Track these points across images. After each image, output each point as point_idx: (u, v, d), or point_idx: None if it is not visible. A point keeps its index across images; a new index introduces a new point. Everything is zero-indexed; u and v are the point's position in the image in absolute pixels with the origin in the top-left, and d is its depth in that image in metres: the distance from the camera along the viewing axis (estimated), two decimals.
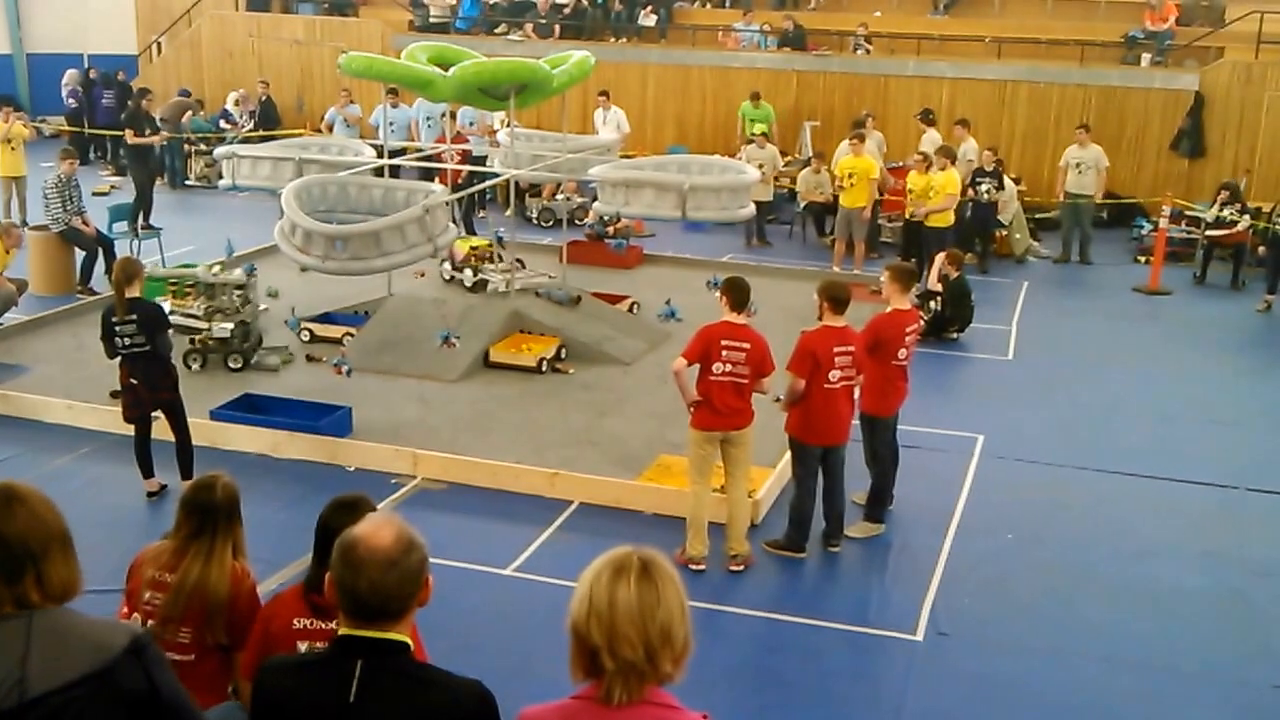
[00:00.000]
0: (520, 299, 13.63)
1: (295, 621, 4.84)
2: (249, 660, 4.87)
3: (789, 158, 21.36)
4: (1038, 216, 19.70)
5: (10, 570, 3.24)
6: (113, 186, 22.27)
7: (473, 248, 14.25)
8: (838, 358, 8.75)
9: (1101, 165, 18.70)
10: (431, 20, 26.06)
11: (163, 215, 18.65)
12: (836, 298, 8.88)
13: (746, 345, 8.57)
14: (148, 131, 19.25)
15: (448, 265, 14.17)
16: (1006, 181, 18.75)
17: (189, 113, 24.08)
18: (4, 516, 3.28)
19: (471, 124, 20.31)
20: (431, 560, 3.43)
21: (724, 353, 8.54)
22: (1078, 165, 18.72)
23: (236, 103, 25.05)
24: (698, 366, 8.64)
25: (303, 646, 4.74)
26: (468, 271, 14.03)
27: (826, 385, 8.74)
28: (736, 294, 8.77)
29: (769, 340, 8.83)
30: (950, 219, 16.63)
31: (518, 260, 14.25)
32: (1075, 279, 18.23)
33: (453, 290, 14.05)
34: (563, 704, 3.15)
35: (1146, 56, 22.22)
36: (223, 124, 24.27)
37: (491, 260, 14.24)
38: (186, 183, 23.58)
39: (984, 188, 17.82)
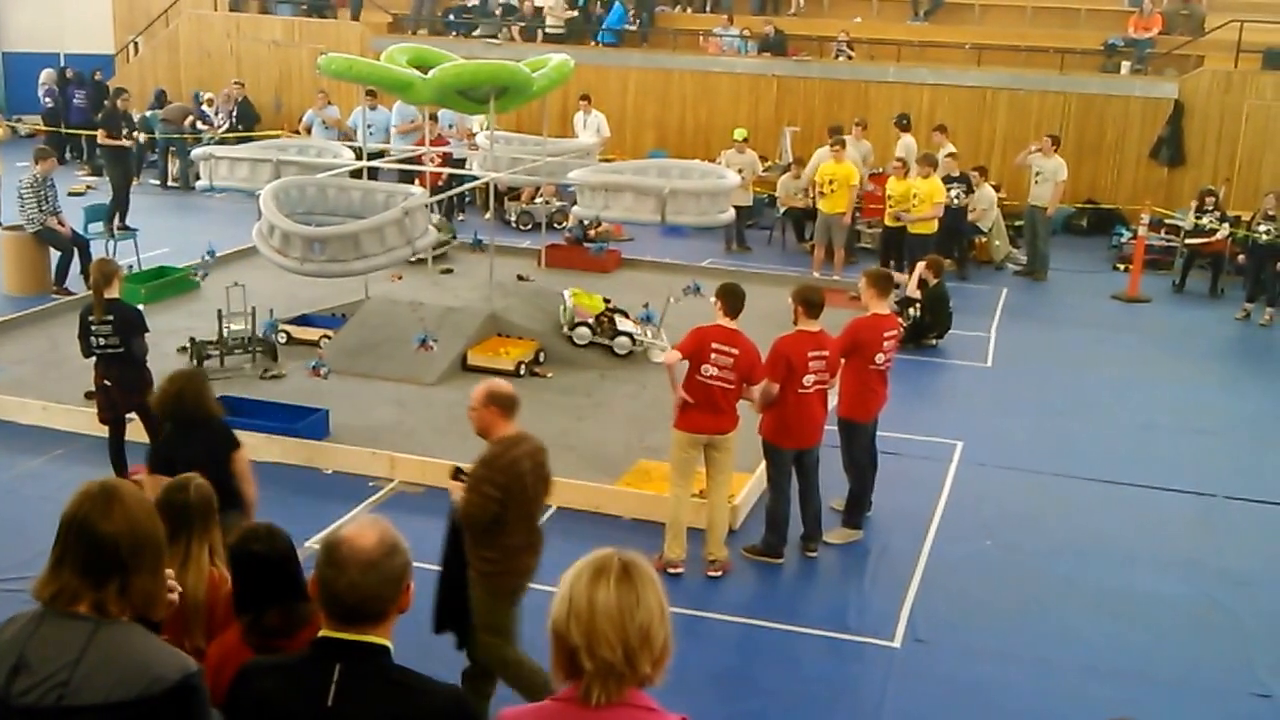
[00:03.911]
0: (501, 300, 13.59)
1: None
2: None
3: (769, 163, 21.35)
4: (1018, 224, 19.70)
5: (97, 572, 3.22)
6: (88, 187, 22.11)
7: (609, 308, 13.47)
8: (811, 362, 8.73)
9: (1059, 177, 18.50)
10: (548, 31, 25.28)
11: (139, 216, 18.53)
12: (810, 301, 8.85)
13: (736, 351, 8.54)
14: (125, 131, 19.12)
15: (585, 330, 13.26)
16: (987, 189, 18.76)
17: (190, 116, 24.00)
18: (102, 514, 3.27)
19: (451, 127, 20.24)
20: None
21: (713, 356, 8.52)
22: (1038, 174, 18.67)
23: (210, 102, 24.95)
24: (688, 365, 8.65)
25: None
26: (622, 339, 13.16)
27: (800, 390, 8.73)
28: (730, 300, 8.73)
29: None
30: (934, 226, 16.62)
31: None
32: (1054, 286, 18.25)
33: (596, 353, 13.25)
34: (542, 705, 3.14)
35: (1126, 64, 22.31)
36: (199, 125, 24.14)
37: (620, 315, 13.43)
38: (171, 185, 23.45)
39: (953, 193, 17.78)
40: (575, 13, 25.64)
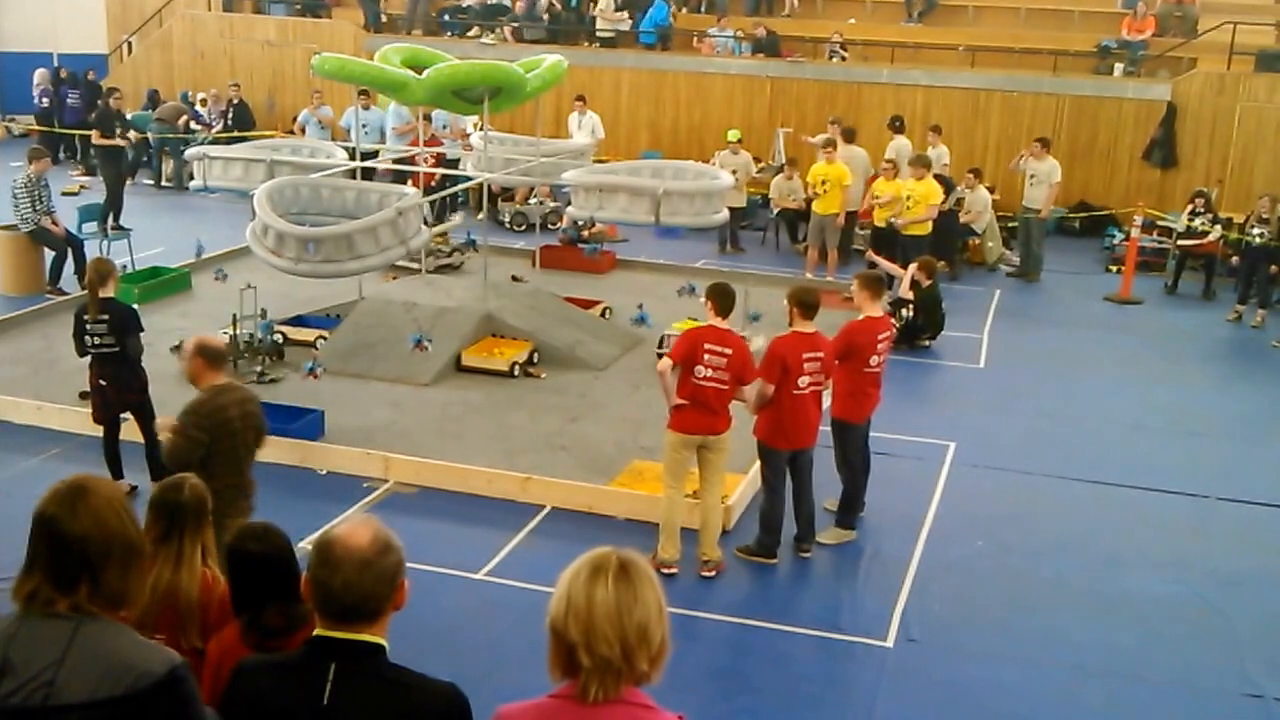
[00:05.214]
0: (495, 301, 13.60)
1: None
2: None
3: (762, 164, 21.37)
4: (1011, 225, 19.74)
5: (67, 573, 3.20)
6: (82, 187, 22.08)
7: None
8: (807, 364, 8.74)
9: (1052, 179, 18.48)
10: (599, 35, 25.10)
11: (132, 216, 18.52)
12: (805, 303, 8.87)
13: (729, 351, 8.56)
14: (118, 131, 19.10)
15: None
16: (982, 191, 18.78)
17: (185, 116, 23.99)
18: (68, 514, 3.22)
19: (445, 127, 20.25)
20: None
21: (706, 357, 8.53)
22: (1032, 177, 18.67)
23: (203, 102, 24.94)
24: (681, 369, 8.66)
25: None
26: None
27: (795, 391, 8.75)
28: (722, 300, 8.75)
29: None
30: (928, 227, 16.62)
31: None
32: (1047, 288, 18.27)
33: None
34: (540, 702, 3.15)
35: (1119, 66, 22.34)
36: (193, 125, 24.13)
37: None
38: (165, 185, 23.44)
39: None
40: (627, 15, 25.25)
